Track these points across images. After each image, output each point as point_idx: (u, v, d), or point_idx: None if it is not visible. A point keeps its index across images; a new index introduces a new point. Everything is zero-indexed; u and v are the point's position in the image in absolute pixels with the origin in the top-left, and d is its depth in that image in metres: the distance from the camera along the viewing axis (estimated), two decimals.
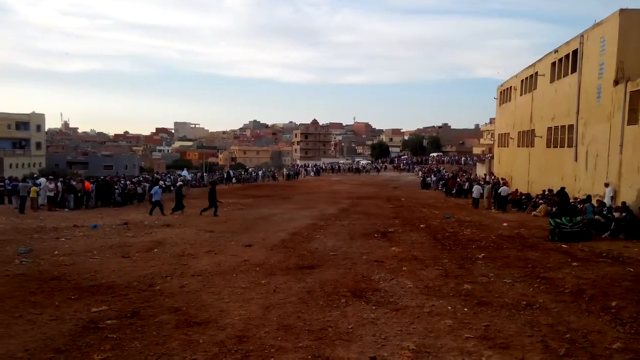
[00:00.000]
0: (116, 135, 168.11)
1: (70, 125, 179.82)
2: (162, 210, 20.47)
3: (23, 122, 70.44)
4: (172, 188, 37.02)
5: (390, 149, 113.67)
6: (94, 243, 12.76)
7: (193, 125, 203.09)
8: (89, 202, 25.20)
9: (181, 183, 22.69)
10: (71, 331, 5.78)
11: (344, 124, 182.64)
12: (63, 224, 16.73)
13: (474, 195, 26.21)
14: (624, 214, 14.92)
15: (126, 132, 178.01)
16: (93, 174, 50.94)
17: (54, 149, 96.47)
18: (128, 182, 30.37)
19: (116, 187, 27.49)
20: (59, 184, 24.79)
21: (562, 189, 21.08)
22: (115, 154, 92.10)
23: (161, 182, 22.39)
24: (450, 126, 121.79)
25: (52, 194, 23.63)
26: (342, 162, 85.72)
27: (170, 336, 5.58)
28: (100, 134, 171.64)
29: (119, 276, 8.76)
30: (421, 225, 16.67)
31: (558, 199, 18.16)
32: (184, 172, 55.14)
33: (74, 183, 25.75)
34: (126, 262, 10.14)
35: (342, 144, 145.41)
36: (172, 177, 45.72)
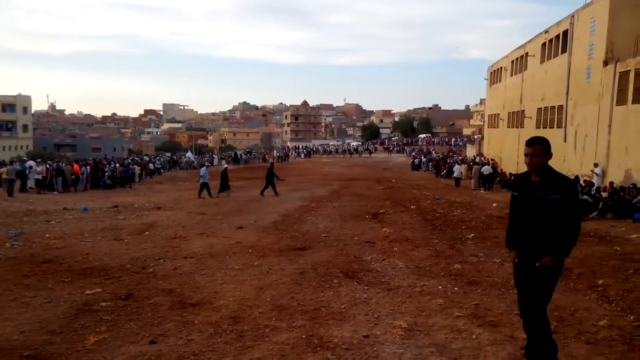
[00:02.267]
0: (104, 117, 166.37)
1: (57, 108, 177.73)
2: (209, 192, 20.37)
3: (9, 104, 69.39)
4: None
5: (380, 130, 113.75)
6: (85, 226, 12.73)
7: (182, 107, 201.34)
8: (78, 184, 25.03)
9: (226, 165, 22.66)
10: (66, 313, 5.81)
11: (334, 106, 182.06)
12: (53, 207, 16.64)
13: (455, 175, 27.25)
14: (611, 194, 15.14)
15: (114, 114, 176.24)
16: (81, 156, 50.53)
17: (40, 132, 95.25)
18: (117, 165, 30.19)
19: (106, 169, 27.32)
20: (47, 166, 24.61)
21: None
22: (103, 136, 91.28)
23: (207, 163, 22.32)
24: (440, 107, 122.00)
25: (40, 177, 23.45)
26: (332, 143, 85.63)
27: (166, 317, 5.63)
28: (88, 115, 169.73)
29: (112, 259, 8.77)
30: (412, 207, 16.79)
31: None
32: (189, 154, 55.56)
33: (63, 166, 25.54)
34: (118, 245, 10.14)
35: (333, 125, 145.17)
36: (161, 159, 45.55)
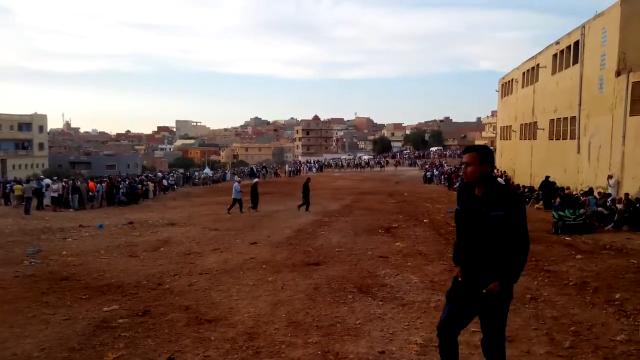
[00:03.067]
0: (118, 135, 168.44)
1: (72, 126, 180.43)
2: (241, 207, 20.57)
3: (25, 123, 70.72)
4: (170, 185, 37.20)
5: (392, 143, 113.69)
6: (101, 243, 12.89)
7: (194, 123, 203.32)
8: (94, 201, 25.35)
9: (257, 180, 22.80)
10: (85, 330, 5.89)
11: (345, 119, 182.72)
12: (69, 225, 16.87)
13: None
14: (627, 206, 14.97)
15: (128, 131, 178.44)
16: (96, 173, 51.22)
17: (56, 150, 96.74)
18: (133, 182, 30.54)
19: (120, 186, 27.65)
20: (62, 184, 24.98)
21: (547, 178, 21.78)
22: (117, 153, 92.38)
23: (238, 179, 22.55)
24: (452, 120, 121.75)
25: (56, 194, 23.80)
26: (344, 157, 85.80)
27: (182, 334, 5.69)
28: (102, 133, 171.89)
29: (128, 275, 8.87)
30: (425, 220, 16.75)
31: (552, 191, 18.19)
32: (207, 170, 56.41)
33: (78, 183, 25.91)
34: (134, 261, 10.25)
35: (344, 139, 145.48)
36: (175, 175, 45.96)
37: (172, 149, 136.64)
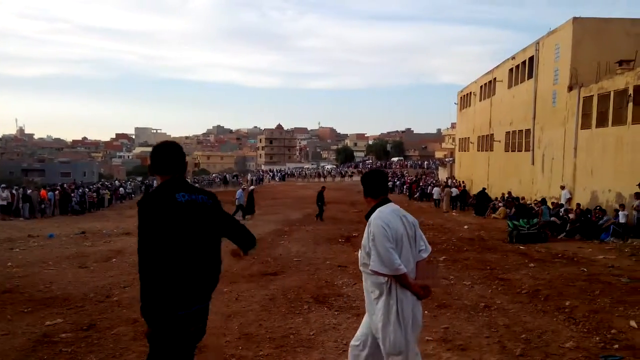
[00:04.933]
0: (74, 141, 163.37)
1: (26, 132, 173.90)
2: (244, 214, 20.19)
3: None
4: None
5: (355, 153, 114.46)
6: (50, 253, 12.35)
7: (154, 131, 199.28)
8: (46, 210, 24.41)
9: (253, 187, 22.28)
10: (23, 346, 5.56)
11: (309, 129, 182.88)
12: (17, 234, 16.15)
13: (434, 197, 28.66)
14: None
15: (84, 138, 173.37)
16: (50, 181, 49.35)
17: (8, 156, 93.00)
18: (87, 190, 29.58)
19: (73, 195, 26.73)
20: (12, 192, 23.96)
21: (483, 189, 24.05)
22: (73, 161, 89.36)
23: (244, 186, 22.10)
24: (413, 131, 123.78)
25: (5, 202, 22.80)
26: (307, 166, 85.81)
27: (128, 348, 5.44)
28: (58, 140, 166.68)
29: (75, 287, 8.49)
30: None
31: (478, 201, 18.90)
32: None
33: (29, 191, 24.91)
34: (83, 273, 9.84)
35: (307, 148, 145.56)
36: (132, 183, 44.87)
37: (130, 157, 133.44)
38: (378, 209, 3.55)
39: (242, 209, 20.42)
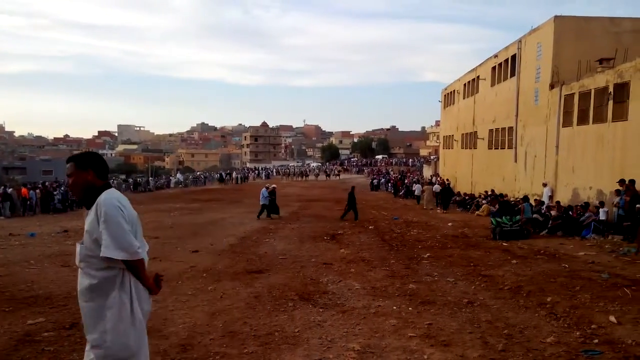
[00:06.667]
0: (56, 139, 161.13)
1: (6, 129, 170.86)
2: (269, 214, 19.93)
3: None
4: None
5: (340, 151, 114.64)
6: (32, 252, 12.19)
7: (138, 128, 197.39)
8: (27, 209, 24.06)
9: (274, 186, 21.62)
10: (5, 345, 5.49)
11: (294, 127, 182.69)
12: None
13: (416, 193, 29.32)
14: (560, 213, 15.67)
15: (66, 136, 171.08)
16: (31, 179, 48.61)
17: None
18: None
19: (55, 192, 26.37)
20: None
21: (448, 184, 25.75)
22: (54, 159, 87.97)
23: (272, 186, 21.28)
24: (398, 129, 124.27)
25: None
26: (292, 164, 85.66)
27: None
28: (39, 137, 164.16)
29: (58, 286, 8.39)
30: (370, 227, 16.90)
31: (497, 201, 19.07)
32: (179, 175, 56.37)
33: (10, 190, 24.51)
34: (66, 271, 9.72)
35: (293, 146, 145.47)
36: (115, 181, 44.43)
37: (113, 155, 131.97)
38: (106, 191, 3.13)
39: (266, 209, 20.05)
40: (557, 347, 5.29)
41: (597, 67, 17.38)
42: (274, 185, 21.98)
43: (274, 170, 71.33)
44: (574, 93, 17.61)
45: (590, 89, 16.62)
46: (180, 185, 51.01)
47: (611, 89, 15.42)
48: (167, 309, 6.94)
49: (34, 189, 25.67)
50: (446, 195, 25.51)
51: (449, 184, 29.51)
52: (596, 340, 5.48)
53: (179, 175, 57.72)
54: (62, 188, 28.55)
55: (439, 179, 34.68)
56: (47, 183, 31.92)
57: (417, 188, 29.71)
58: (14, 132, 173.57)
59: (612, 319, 6.20)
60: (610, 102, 15.48)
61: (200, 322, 6.28)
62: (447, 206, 24.81)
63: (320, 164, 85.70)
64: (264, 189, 20.82)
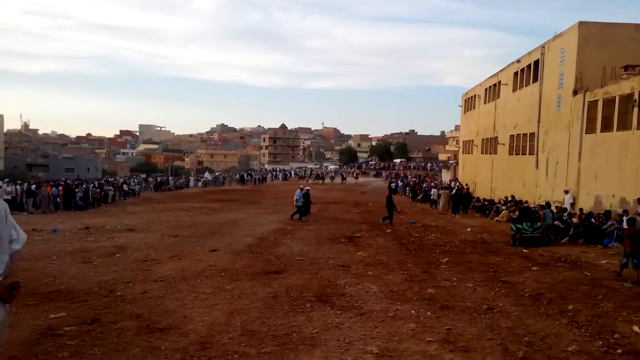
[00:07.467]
0: (78, 138, 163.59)
1: (30, 127, 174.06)
2: (301, 216, 19.66)
3: None
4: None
5: (358, 154, 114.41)
6: (54, 248, 12.41)
7: (159, 128, 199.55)
8: (50, 205, 24.50)
9: (308, 188, 21.42)
10: (28, 338, 5.60)
11: (312, 129, 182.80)
12: (21, 228, 16.18)
13: (432, 197, 29.34)
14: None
15: (89, 134, 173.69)
16: (54, 176, 49.56)
17: (12, 151, 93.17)
18: (91, 186, 29.65)
19: (77, 190, 26.80)
20: (17, 186, 24.06)
21: (458, 190, 26.32)
22: (77, 157, 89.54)
23: (302, 186, 21.08)
24: (417, 132, 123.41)
25: (9, 197, 22.88)
26: (310, 166, 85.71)
27: (131, 343, 5.47)
28: (62, 135, 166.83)
29: (79, 282, 8.53)
30: (387, 230, 16.83)
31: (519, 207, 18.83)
32: (207, 174, 56.49)
33: (33, 186, 25.00)
34: (87, 268, 9.89)
35: (311, 148, 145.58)
36: (136, 179, 44.86)
37: (134, 154, 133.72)
38: None
39: (300, 211, 19.80)
40: (579, 356, 5.21)
41: (622, 73, 17.08)
42: (307, 187, 21.56)
43: (292, 172, 71.32)
44: (598, 100, 17.32)
45: (615, 96, 16.33)
46: (209, 185, 51.20)
47: (636, 96, 15.13)
48: (186, 306, 7.00)
49: (57, 186, 26.13)
50: (457, 200, 25.22)
51: (468, 189, 29.17)
52: (619, 350, 5.38)
53: (207, 174, 57.84)
54: (84, 186, 28.99)
55: (458, 184, 34.40)
56: (69, 181, 32.43)
57: (434, 192, 29.65)
58: (37, 130, 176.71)
59: (636, 328, 6.08)
60: (636, 109, 15.20)
61: (219, 321, 6.32)
62: (456, 210, 24.53)
63: (337, 167, 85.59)
64: (298, 191, 20.45)
